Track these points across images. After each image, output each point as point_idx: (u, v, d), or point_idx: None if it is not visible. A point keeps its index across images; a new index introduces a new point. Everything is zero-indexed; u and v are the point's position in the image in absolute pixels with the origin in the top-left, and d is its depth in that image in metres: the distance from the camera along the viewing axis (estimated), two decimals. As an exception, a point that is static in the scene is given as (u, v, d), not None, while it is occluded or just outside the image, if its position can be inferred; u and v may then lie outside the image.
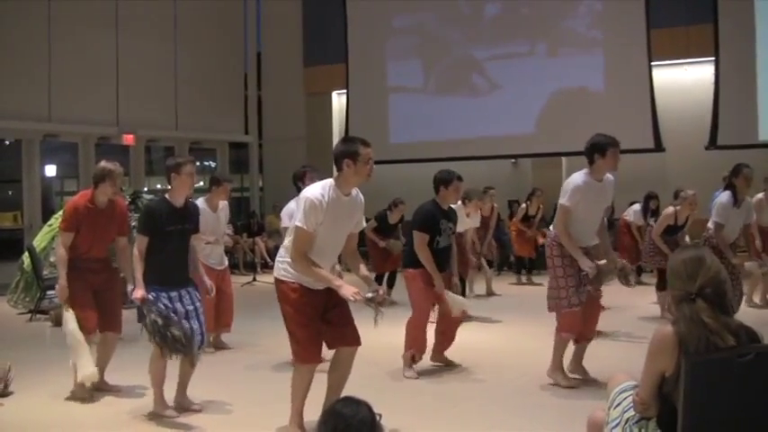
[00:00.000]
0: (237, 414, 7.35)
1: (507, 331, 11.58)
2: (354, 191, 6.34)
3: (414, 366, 8.78)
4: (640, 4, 18.97)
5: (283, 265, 6.30)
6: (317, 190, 6.11)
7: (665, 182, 15.97)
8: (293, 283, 6.22)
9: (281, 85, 24.60)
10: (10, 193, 22.04)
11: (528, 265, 17.16)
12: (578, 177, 7.96)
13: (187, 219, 7.38)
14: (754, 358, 3.91)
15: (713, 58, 18.55)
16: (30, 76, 18.70)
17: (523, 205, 16.67)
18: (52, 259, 14.06)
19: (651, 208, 15.05)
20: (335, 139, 23.18)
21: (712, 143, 18.22)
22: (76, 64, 19.34)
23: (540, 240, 15.82)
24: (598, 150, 7.88)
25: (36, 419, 7.33)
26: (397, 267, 14.36)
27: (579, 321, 8.01)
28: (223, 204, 10.36)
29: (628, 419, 4.28)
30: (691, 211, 12.04)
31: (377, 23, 22.75)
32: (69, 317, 7.60)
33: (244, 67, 25.10)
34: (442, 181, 8.98)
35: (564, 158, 20.26)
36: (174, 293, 7.10)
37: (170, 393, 7.41)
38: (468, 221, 12.57)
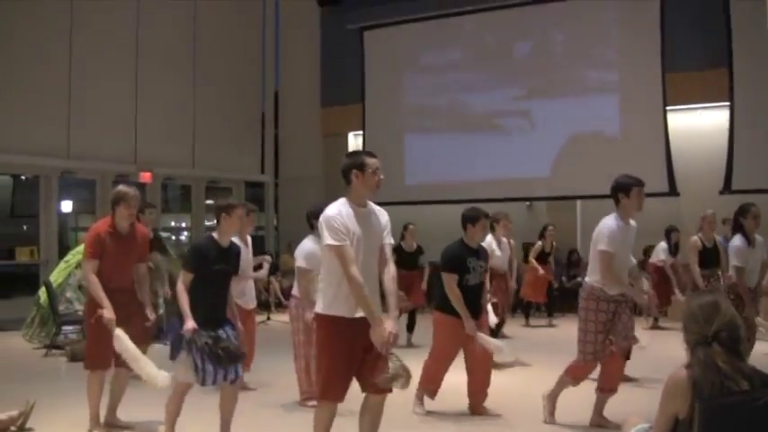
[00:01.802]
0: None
1: (522, 374, 11.53)
2: (370, 204, 6.38)
3: (423, 404, 8.86)
4: (656, 49, 19.06)
5: (321, 295, 6.24)
6: (331, 209, 6.18)
7: (679, 226, 15.97)
8: (325, 315, 6.15)
9: (298, 125, 24.78)
10: (24, 228, 22.12)
11: (544, 308, 17.17)
12: (610, 221, 7.95)
13: (231, 259, 7.44)
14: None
15: (728, 103, 18.61)
16: (49, 113, 18.81)
17: (539, 243, 16.51)
18: (68, 294, 14.20)
19: (674, 241, 15.04)
20: (352, 180, 23.31)
21: (727, 188, 18.23)
22: (95, 101, 19.47)
23: (552, 283, 15.82)
24: (622, 190, 7.92)
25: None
26: (419, 306, 14.36)
27: (587, 374, 8.09)
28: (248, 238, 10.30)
29: (642, 461, 4.33)
30: (712, 230, 11.91)
31: (393, 65, 22.92)
32: (120, 334, 7.58)
33: (261, 106, 25.23)
34: (470, 219, 8.96)
35: (579, 201, 20.32)
36: (213, 333, 7.09)
37: None
38: (498, 255, 12.42)
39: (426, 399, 8.98)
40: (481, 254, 9.05)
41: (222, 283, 7.34)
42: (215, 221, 7.46)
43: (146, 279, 8.08)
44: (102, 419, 8.06)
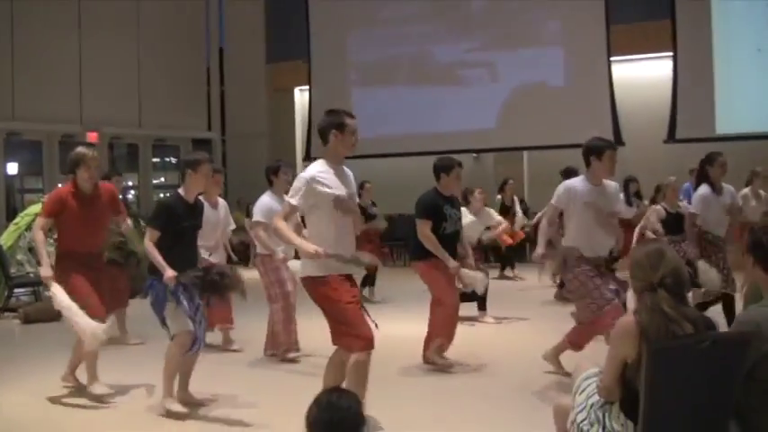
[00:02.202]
0: (244, 411, 7.26)
1: (505, 328, 11.51)
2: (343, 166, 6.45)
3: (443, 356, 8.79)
4: (600, 2, 19.21)
5: (303, 259, 6.28)
6: (314, 168, 6.25)
7: (625, 175, 16.14)
8: (323, 277, 6.15)
9: (243, 82, 24.73)
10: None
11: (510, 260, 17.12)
12: (573, 180, 8.02)
13: (197, 215, 7.44)
14: (711, 345, 4.10)
15: (671, 54, 18.84)
16: (-7, 75, 18.72)
17: (498, 197, 16.41)
18: (19, 257, 14.16)
19: (632, 192, 14.41)
20: (298, 135, 23.39)
21: (671, 137, 18.50)
22: (40, 62, 19.38)
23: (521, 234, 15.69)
24: (594, 153, 7.77)
25: (17, 418, 7.40)
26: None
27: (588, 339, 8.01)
28: (222, 202, 10.17)
29: (592, 404, 4.47)
30: (676, 198, 11.85)
31: (339, 19, 22.85)
32: (56, 289, 7.45)
33: (206, 64, 25.13)
34: (443, 168, 8.86)
35: (525, 153, 20.52)
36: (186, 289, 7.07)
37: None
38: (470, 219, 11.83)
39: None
40: (455, 203, 9.01)
41: (192, 239, 7.35)
42: (181, 178, 7.38)
43: (132, 232, 8.05)
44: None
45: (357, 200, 6.55)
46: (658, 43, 19.07)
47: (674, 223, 11.62)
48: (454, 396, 7.73)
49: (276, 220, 6.31)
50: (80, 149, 7.90)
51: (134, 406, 7.55)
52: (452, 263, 8.56)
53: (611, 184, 8.04)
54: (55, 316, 12.35)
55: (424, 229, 8.59)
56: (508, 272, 17.10)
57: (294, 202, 6.21)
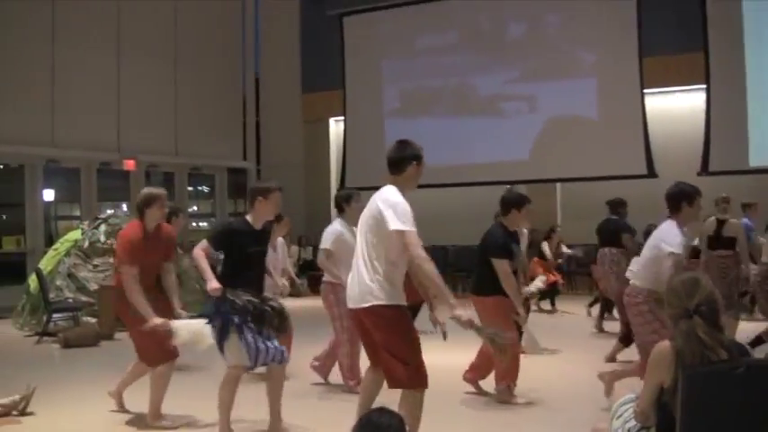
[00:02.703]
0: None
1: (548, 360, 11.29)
2: None
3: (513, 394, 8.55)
4: (633, 33, 19.29)
5: (379, 287, 5.92)
6: (395, 195, 6.00)
7: (657, 208, 16.09)
8: (394, 305, 5.93)
9: (279, 112, 24.94)
10: (3, 217, 22.20)
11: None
12: (675, 228, 7.63)
13: (264, 241, 7.39)
14: (746, 371, 4.20)
15: (704, 86, 18.85)
16: (33, 102, 19.00)
17: (544, 245, 16.16)
18: (58, 282, 14.38)
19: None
20: (333, 165, 23.56)
21: (704, 169, 18.46)
22: (79, 90, 19.63)
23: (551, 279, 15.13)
24: (686, 199, 7.72)
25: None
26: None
27: None
28: (281, 242, 10.18)
29: (629, 429, 4.57)
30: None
31: (373, 49, 23.05)
32: (176, 324, 7.35)
33: (242, 93, 25.36)
34: (516, 203, 8.68)
35: (558, 184, 20.55)
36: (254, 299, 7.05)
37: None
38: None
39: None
40: (518, 239, 8.91)
41: (258, 266, 7.31)
42: (250, 205, 7.33)
43: (172, 275, 7.97)
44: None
45: None
46: (691, 75, 19.09)
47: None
48: (491, 422, 7.84)
49: (424, 260, 5.81)
50: (152, 189, 7.99)
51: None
52: (523, 312, 8.52)
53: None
54: (93, 341, 12.64)
55: (505, 268, 8.32)
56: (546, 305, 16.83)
57: (413, 228, 5.88)
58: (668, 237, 7.48)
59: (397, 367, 5.86)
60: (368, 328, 6.03)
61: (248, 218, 7.31)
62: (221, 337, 6.92)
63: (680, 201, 7.68)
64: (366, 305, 5.93)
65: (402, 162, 6.13)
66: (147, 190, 7.98)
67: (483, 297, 8.48)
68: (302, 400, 8.70)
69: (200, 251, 7.10)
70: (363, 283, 5.95)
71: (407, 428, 5.62)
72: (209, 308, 7.01)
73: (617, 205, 13.06)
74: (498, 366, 8.45)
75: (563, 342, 12.17)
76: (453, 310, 5.70)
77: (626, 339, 10.33)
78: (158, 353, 7.62)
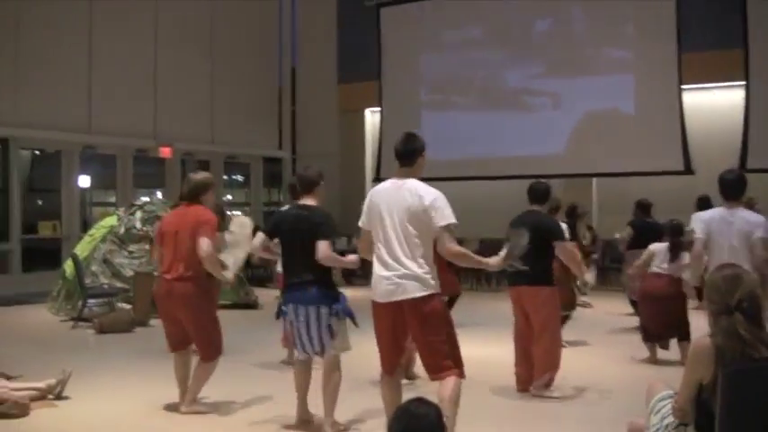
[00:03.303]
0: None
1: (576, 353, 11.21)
2: None
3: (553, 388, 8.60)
4: (672, 29, 19.14)
5: (431, 277, 6.08)
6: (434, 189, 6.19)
7: (694, 205, 16.08)
8: (442, 296, 6.26)
9: (315, 102, 24.92)
10: (39, 202, 22.35)
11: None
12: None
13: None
14: (787, 369, 4.18)
15: (743, 83, 18.72)
16: (71, 88, 19.13)
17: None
18: (94, 268, 14.47)
19: None
20: (368, 156, 23.53)
21: (742, 166, 18.29)
22: (116, 77, 19.72)
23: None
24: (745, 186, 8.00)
25: (89, 423, 7.63)
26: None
27: None
28: None
29: (667, 425, 4.55)
30: None
31: (410, 41, 23.03)
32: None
33: (278, 83, 25.40)
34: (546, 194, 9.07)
35: (594, 179, 20.45)
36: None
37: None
38: None
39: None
40: None
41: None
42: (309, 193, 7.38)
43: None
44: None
45: None
46: (730, 72, 18.92)
47: None
48: (526, 416, 7.88)
49: (456, 245, 6.06)
50: (206, 175, 8.13)
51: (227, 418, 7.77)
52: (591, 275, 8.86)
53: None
54: (128, 327, 12.72)
55: (575, 249, 8.76)
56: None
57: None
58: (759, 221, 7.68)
59: (444, 356, 6.00)
60: (402, 321, 6.06)
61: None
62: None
63: (744, 188, 7.89)
64: (419, 294, 5.97)
65: (414, 154, 6.28)
66: (203, 175, 8.09)
67: (542, 287, 8.53)
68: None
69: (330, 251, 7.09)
70: (412, 274, 5.98)
71: (449, 416, 5.77)
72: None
73: (648, 207, 13.13)
74: (546, 357, 8.51)
75: (587, 336, 12.19)
76: (489, 264, 6.34)
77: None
78: (219, 345, 7.83)
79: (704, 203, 11.80)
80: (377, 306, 6.14)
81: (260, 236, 7.28)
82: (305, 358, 7.27)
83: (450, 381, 5.94)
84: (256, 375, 9.57)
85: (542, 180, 9.23)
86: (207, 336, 7.77)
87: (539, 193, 8.92)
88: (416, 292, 5.97)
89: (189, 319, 7.67)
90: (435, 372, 6.05)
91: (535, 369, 8.58)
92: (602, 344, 11.80)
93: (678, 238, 10.41)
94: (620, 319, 13.87)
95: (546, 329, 8.55)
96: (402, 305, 6.00)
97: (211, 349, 7.77)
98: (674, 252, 10.26)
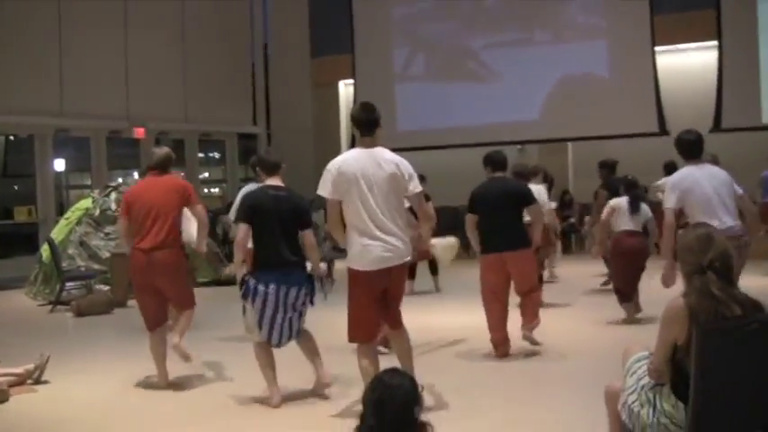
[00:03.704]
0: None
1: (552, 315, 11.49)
2: None
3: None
4: (644, -10, 19.16)
5: (407, 243, 6.61)
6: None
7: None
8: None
9: (288, 76, 24.79)
10: (15, 187, 22.27)
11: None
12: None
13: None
14: (759, 327, 4.18)
15: (716, 43, 18.75)
16: (41, 72, 18.94)
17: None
18: (70, 251, 14.43)
19: None
20: (343, 129, 23.48)
21: (716, 126, 18.38)
22: (87, 59, 19.55)
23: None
24: None
25: (69, 407, 7.59)
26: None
27: None
28: None
29: (643, 386, 4.55)
30: None
31: (382, 13, 22.91)
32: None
33: (251, 59, 25.28)
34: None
35: (570, 144, 20.50)
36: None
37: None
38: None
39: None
40: None
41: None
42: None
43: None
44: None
45: None
46: (703, 32, 18.98)
47: None
48: (508, 380, 7.91)
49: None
50: (167, 150, 8.31)
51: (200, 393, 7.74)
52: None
53: None
54: (106, 308, 12.70)
55: (468, 222, 8.86)
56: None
57: None
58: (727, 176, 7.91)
59: (400, 312, 6.67)
60: (386, 285, 6.46)
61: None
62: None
63: (703, 145, 8.19)
64: (407, 258, 6.49)
65: (376, 123, 6.48)
66: (167, 150, 8.30)
67: (525, 250, 8.76)
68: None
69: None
70: (400, 240, 6.40)
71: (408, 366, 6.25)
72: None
73: (613, 166, 13.23)
74: (534, 307, 8.91)
75: (564, 298, 12.35)
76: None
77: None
78: (194, 296, 8.24)
79: (671, 168, 11.86)
80: (369, 274, 6.35)
81: (242, 228, 7.18)
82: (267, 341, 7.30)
83: (404, 334, 6.71)
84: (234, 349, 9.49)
85: (524, 149, 9.44)
86: (186, 293, 8.09)
87: (503, 161, 9.05)
88: (406, 255, 6.45)
89: (168, 283, 7.83)
90: (398, 325, 6.68)
91: (527, 316, 8.85)
92: (579, 306, 11.92)
93: (634, 190, 10.81)
94: (596, 281, 13.89)
95: (533, 287, 8.90)
96: (392, 270, 6.36)
97: (190, 300, 8.11)
98: (635, 205, 10.56)
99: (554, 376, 7.94)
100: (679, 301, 4.33)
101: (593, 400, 5.64)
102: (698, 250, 4.36)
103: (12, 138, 21.13)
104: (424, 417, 3.90)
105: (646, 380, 4.55)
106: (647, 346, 4.78)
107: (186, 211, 8.18)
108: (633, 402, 4.54)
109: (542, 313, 9.08)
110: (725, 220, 7.42)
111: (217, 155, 26.51)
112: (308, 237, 7.23)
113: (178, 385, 8.00)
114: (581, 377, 7.72)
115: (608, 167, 13.28)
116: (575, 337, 9.62)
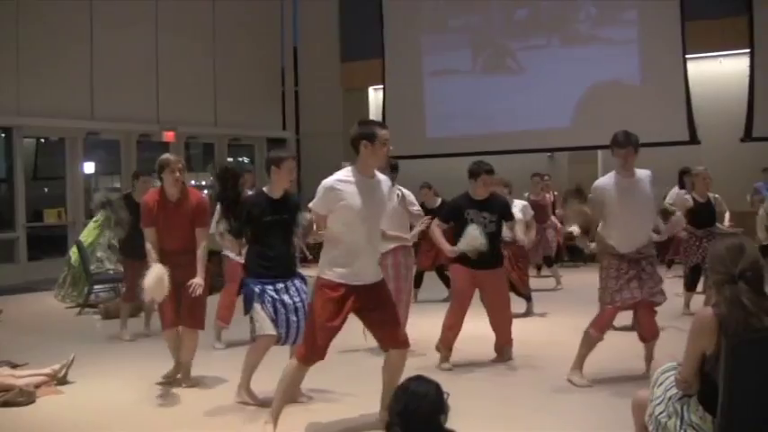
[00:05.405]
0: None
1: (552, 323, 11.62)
2: (380, 175, 6.51)
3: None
4: (675, -3, 19.05)
5: None
6: (334, 176, 6.37)
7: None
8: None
9: (318, 81, 24.78)
10: (45, 190, 22.34)
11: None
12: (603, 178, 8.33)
13: (285, 210, 7.44)
14: (791, 338, 4.13)
15: (748, 51, 18.60)
16: (73, 75, 19.04)
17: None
18: (99, 254, 14.45)
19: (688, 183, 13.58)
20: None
21: (747, 135, 18.25)
22: (118, 62, 19.65)
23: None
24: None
25: (96, 408, 7.61)
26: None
27: (610, 323, 8.10)
28: None
29: (671, 397, 4.50)
30: (706, 188, 11.70)
31: (413, 18, 22.87)
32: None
33: (281, 63, 25.29)
34: (471, 173, 9.03)
35: (600, 152, 20.38)
36: (280, 285, 7.28)
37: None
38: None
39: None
40: (488, 206, 8.96)
41: (278, 234, 7.42)
42: (267, 175, 7.54)
43: (201, 244, 8.06)
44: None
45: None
46: (735, 40, 18.83)
47: (705, 214, 11.42)
48: (519, 391, 7.88)
49: None
50: (165, 155, 8.25)
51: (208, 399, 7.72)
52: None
53: (645, 174, 8.77)
54: (133, 311, 12.71)
55: (433, 228, 8.75)
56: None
57: (317, 209, 6.45)
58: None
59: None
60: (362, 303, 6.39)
61: (265, 189, 7.54)
62: (248, 308, 7.41)
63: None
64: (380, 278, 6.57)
65: (354, 143, 6.37)
66: (162, 156, 8.29)
67: (496, 270, 9.06)
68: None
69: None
70: (376, 261, 6.59)
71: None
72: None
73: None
74: (506, 328, 9.08)
75: (573, 307, 12.08)
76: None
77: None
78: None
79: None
80: (362, 288, 6.35)
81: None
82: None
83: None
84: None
85: (478, 161, 9.30)
86: (202, 304, 8.08)
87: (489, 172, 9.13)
88: (379, 276, 6.61)
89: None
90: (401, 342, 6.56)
91: (502, 338, 9.10)
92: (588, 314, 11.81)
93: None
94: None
95: (507, 305, 9.16)
96: (368, 288, 6.39)
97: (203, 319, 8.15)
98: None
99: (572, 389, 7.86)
100: (708, 312, 4.29)
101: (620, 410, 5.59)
102: (729, 260, 4.32)
103: (42, 140, 21.16)
104: (449, 425, 3.88)
105: (673, 390, 4.51)
106: (674, 356, 4.74)
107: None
108: (660, 413, 4.50)
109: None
110: None
111: (246, 159, 26.51)
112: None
113: (202, 385, 8.15)
114: (605, 387, 7.65)
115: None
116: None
